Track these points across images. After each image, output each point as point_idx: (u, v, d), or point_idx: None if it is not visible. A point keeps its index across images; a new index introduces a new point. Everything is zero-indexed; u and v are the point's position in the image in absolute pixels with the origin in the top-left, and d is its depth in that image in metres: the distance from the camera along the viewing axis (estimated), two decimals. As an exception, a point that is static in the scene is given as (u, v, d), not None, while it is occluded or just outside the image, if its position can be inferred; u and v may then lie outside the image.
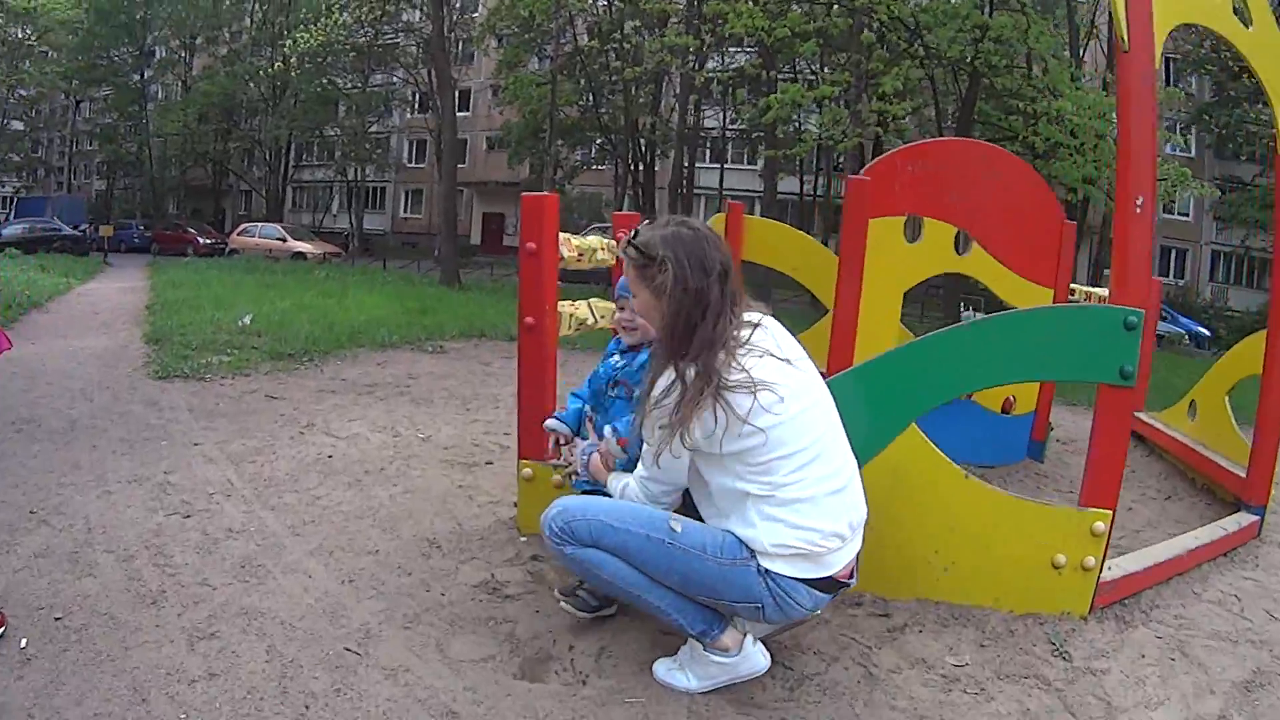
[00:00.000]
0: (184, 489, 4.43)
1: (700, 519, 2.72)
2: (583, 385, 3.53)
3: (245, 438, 5.46)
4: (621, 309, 3.26)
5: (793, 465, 2.52)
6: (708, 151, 37.36)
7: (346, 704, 2.67)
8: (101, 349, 8.71)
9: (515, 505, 4.19)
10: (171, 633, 3.01)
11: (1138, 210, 3.13)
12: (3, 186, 51.37)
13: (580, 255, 4.07)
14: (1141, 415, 6.50)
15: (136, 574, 3.44)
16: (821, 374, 2.76)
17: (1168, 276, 33.59)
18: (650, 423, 2.58)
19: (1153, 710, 2.84)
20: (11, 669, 2.77)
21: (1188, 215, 34.53)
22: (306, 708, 2.63)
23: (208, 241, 37.76)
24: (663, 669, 2.86)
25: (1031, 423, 5.76)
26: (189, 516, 4.06)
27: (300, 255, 32.54)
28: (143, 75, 46.80)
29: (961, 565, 3.37)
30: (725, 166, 36.55)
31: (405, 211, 48.87)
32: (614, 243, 4.40)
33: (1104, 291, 6.97)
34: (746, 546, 2.56)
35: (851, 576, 2.70)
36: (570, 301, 4.08)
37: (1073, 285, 6.29)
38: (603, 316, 4.30)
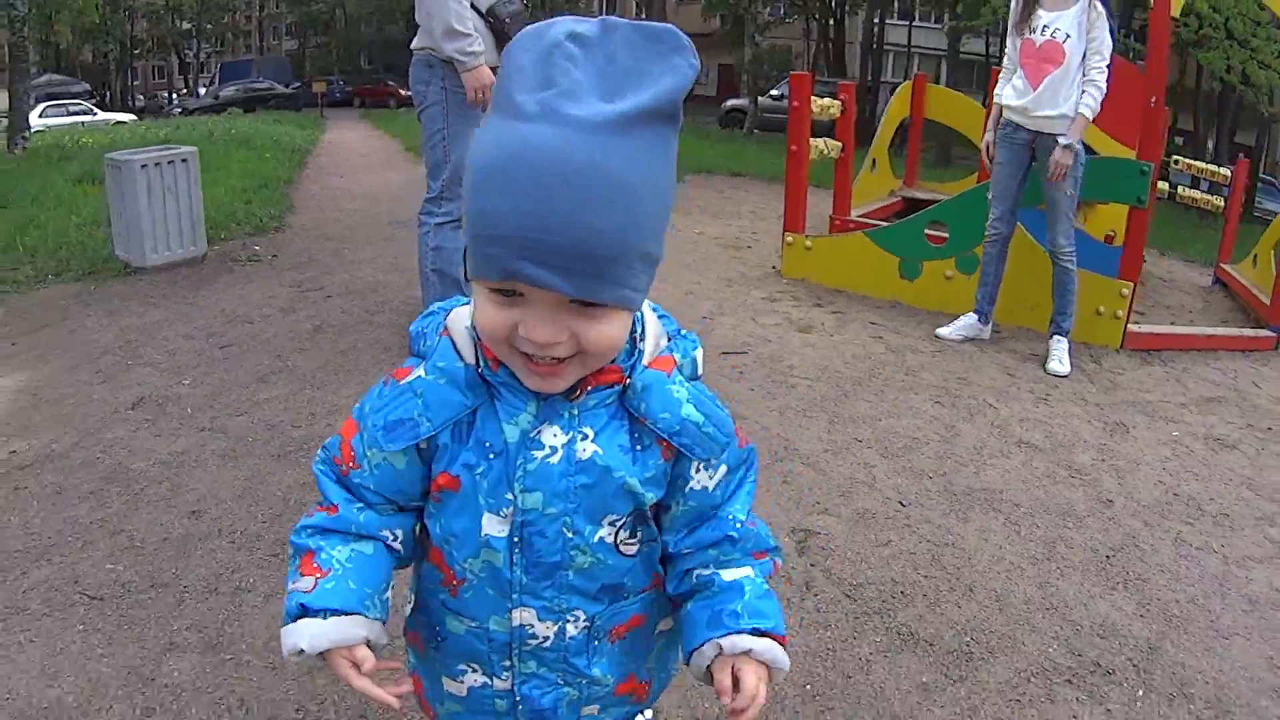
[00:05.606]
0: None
1: None
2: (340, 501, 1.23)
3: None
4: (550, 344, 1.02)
5: None
6: (896, 7, 38.15)
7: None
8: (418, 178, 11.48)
9: (775, 265, 6.87)
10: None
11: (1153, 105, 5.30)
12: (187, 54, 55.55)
13: (820, 110, 6.54)
14: (1226, 266, 8.17)
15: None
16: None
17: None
18: None
19: (1146, 393, 5.02)
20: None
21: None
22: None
23: (409, 93, 39.59)
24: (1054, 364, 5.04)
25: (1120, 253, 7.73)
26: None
27: (510, 98, 34.29)
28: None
29: (1041, 307, 5.70)
30: (913, 24, 37.34)
31: (595, 58, 50.58)
32: (840, 101, 6.85)
33: (1203, 164, 8.88)
34: None
35: None
36: (812, 140, 6.52)
37: (1175, 156, 8.25)
38: (831, 150, 6.79)
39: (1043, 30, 5.01)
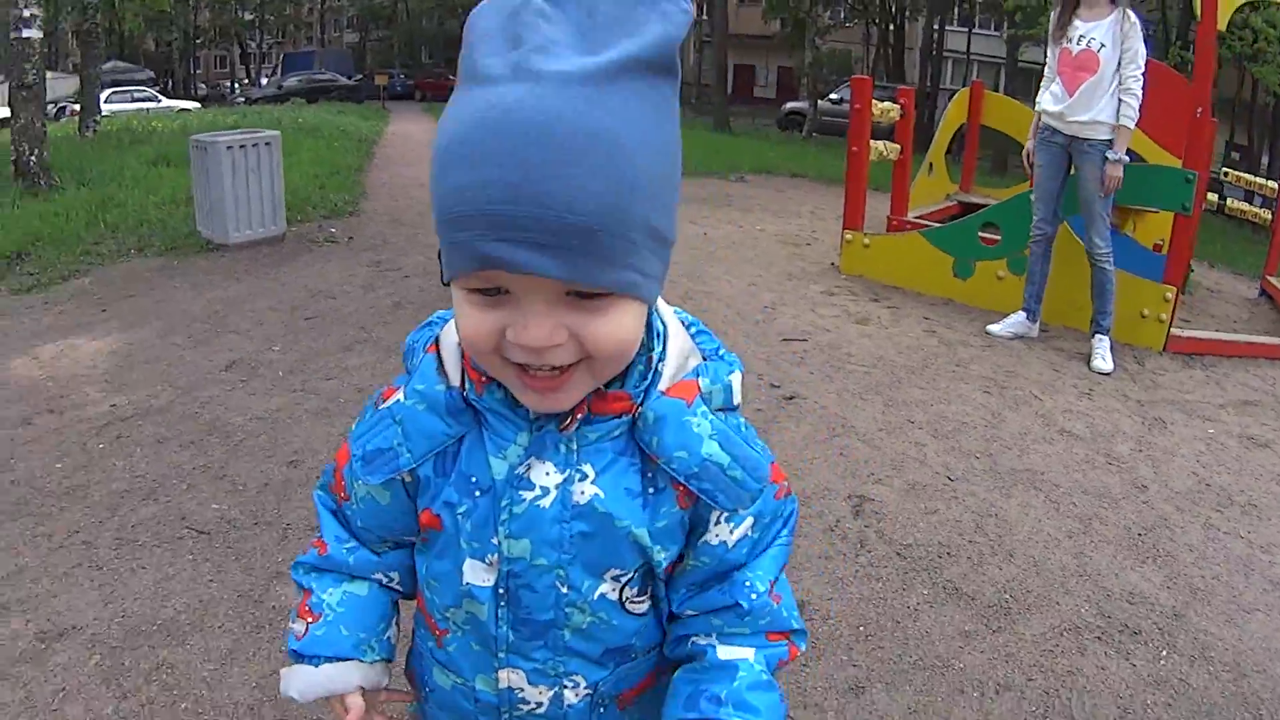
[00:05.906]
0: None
1: None
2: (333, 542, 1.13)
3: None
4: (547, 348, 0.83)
5: None
6: (956, 14, 38.06)
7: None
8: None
9: (834, 262, 7.11)
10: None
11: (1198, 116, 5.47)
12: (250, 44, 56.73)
13: (880, 114, 6.75)
14: (1271, 278, 8.14)
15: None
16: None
17: None
18: None
19: (1185, 393, 5.21)
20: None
21: None
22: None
23: (471, 87, 40.34)
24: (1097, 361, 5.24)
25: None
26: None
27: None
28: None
29: (1087, 308, 5.85)
30: (972, 31, 37.28)
31: (657, 60, 51.09)
32: (899, 105, 7.06)
33: (1250, 177, 8.96)
34: None
35: None
36: (871, 142, 6.74)
37: (1226, 169, 8.35)
38: (890, 153, 7.00)
39: (1079, 40, 5.20)
